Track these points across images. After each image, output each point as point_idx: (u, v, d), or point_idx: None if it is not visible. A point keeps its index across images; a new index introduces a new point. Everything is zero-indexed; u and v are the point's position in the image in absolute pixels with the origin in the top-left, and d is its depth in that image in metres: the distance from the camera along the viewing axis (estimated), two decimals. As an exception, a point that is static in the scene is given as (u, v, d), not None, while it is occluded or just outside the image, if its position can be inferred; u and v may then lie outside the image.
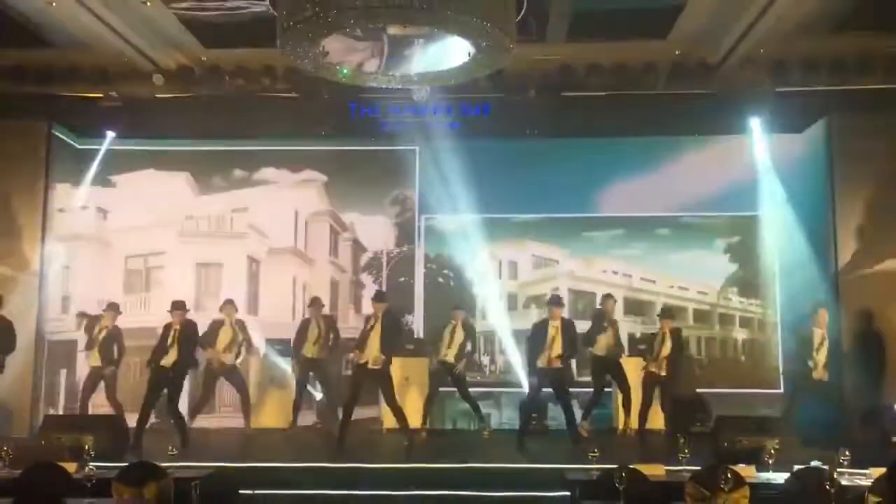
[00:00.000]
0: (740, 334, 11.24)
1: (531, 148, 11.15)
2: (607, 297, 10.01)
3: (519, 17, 6.60)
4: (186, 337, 8.83)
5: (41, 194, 10.77)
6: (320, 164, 11.32)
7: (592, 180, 11.10)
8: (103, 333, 9.68)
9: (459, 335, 9.82)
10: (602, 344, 9.58)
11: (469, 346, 9.92)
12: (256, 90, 10.53)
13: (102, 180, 11.19)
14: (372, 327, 8.69)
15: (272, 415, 10.44)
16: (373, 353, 8.55)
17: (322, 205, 11.33)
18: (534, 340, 9.12)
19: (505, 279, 11.40)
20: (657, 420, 9.79)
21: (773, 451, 6.06)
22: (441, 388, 10.03)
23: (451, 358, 9.75)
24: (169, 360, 8.71)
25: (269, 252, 11.29)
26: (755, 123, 10.82)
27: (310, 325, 10.18)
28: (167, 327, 8.88)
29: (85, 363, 10.06)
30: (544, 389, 9.17)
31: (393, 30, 6.18)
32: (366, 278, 11.30)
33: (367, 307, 10.94)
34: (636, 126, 10.78)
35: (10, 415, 9.85)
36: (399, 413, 8.84)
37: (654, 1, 8.89)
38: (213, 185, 11.34)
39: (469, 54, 6.35)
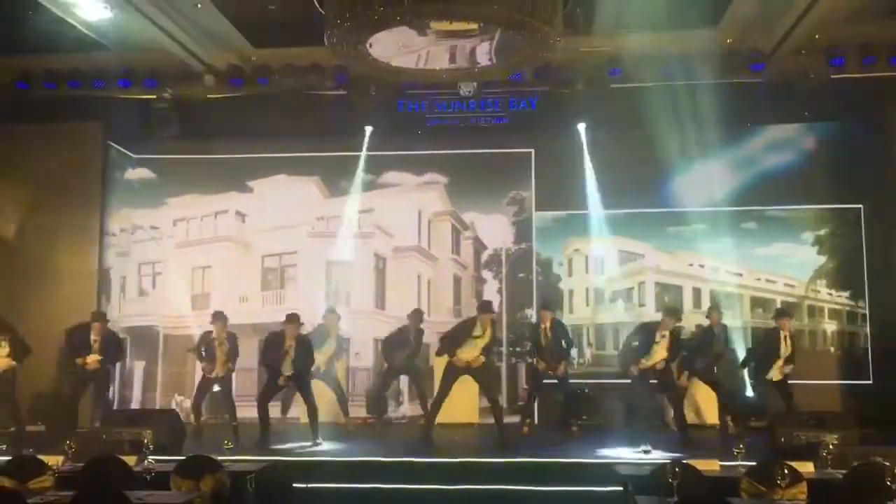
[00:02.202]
0: (830, 326, 11.14)
1: (606, 140, 11.11)
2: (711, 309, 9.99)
3: (566, 9, 6.53)
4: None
5: (98, 194, 11.09)
6: (441, 166, 11.72)
7: (670, 173, 10.94)
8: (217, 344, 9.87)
9: (549, 336, 9.81)
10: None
11: (564, 344, 9.89)
12: (305, 88, 10.66)
13: (240, 186, 11.79)
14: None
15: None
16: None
17: (444, 205, 11.80)
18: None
19: (591, 273, 11.58)
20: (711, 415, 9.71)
21: (831, 447, 5.93)
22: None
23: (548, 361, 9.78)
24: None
25: (395, 250, 11.75)
26: (812, 111, 10.57)
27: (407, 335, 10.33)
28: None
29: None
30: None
31: (439, 26, 6.18)
32: (486, 274, 11.72)
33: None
34: (687, 117, 10.59)
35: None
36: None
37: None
38: (341, 188, 11.72)
39: (516, 48, 6.32)
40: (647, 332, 9.29)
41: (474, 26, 6.22)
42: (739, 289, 11.07)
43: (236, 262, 11.77)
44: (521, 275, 11.49)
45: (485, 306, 9.27)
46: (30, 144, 10.95)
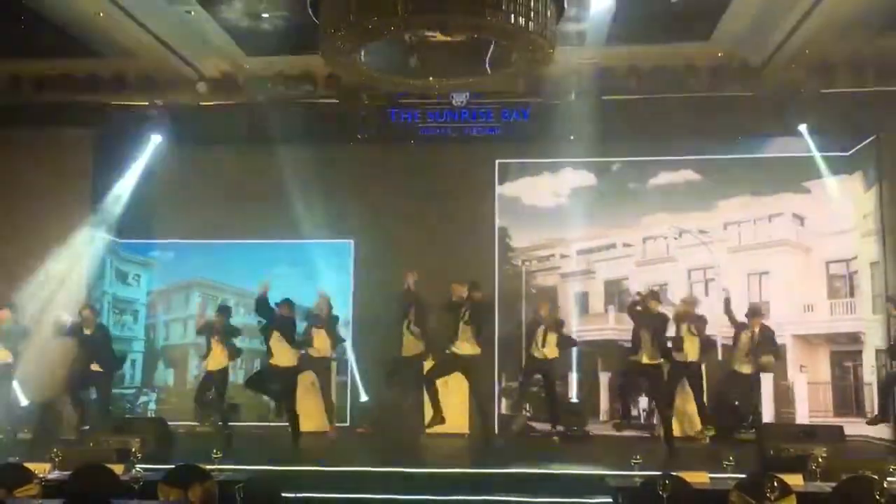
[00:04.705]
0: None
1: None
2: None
3: (559, 21, 6.56)
4: None
5: (88, 200, 11.04)
6: None
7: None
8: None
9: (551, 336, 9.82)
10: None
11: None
12: (297, 97, 10.65)
13: (795, 187, 11.16)
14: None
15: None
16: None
17: None
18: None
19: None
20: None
21: (820, 460, 5.95)
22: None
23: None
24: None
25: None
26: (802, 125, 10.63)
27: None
28: None
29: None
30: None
31: (433, 37, 6.19)
32: None
33: None
34: (677, 129, 10.66)
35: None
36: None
37: (695, 2, 8.78)
38: None
39: (511, 59, 6.35)
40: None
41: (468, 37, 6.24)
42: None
43: (797, 268, 11.13)
44: None
45: None
46: (19, 150, 10.91)
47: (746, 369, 9.26)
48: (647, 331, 9.12)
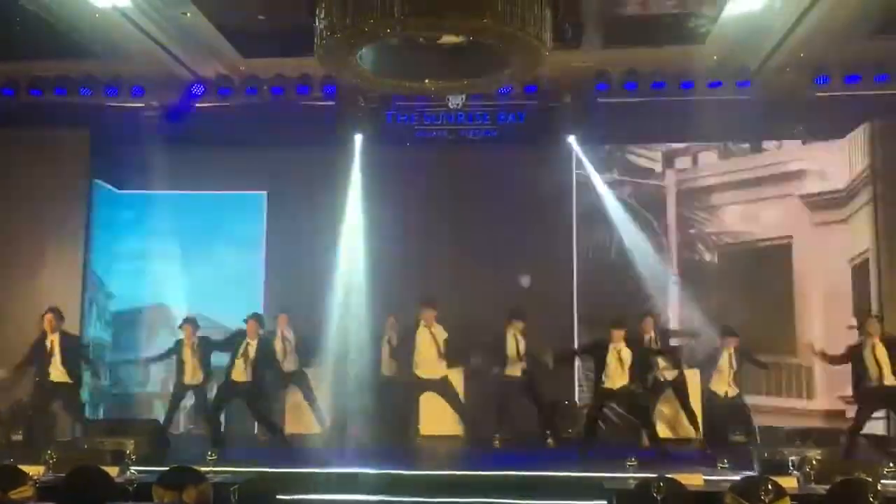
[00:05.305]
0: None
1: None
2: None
3: (555, 23, 6.57)
4: None
5: (84, 201, 11.04)
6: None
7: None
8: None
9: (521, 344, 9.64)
10: None
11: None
12: (294, 99, 10.65)
13: (803, 188, 11.23)
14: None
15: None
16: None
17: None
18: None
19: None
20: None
21: (814, 462, 5.96)
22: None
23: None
24: None
25: None
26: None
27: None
28: None
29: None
30: None
31: (428, 39, 6.21)
32: None
33: None
34: (674, 132, 10.69)
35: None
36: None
37: (691, 6, 8.81)
38: None
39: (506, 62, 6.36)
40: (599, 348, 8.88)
41: (464, 39, 6.25)
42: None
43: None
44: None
45: None
46: (16, 150, 10.89)
47: (728, 392, 8.90)
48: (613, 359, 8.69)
